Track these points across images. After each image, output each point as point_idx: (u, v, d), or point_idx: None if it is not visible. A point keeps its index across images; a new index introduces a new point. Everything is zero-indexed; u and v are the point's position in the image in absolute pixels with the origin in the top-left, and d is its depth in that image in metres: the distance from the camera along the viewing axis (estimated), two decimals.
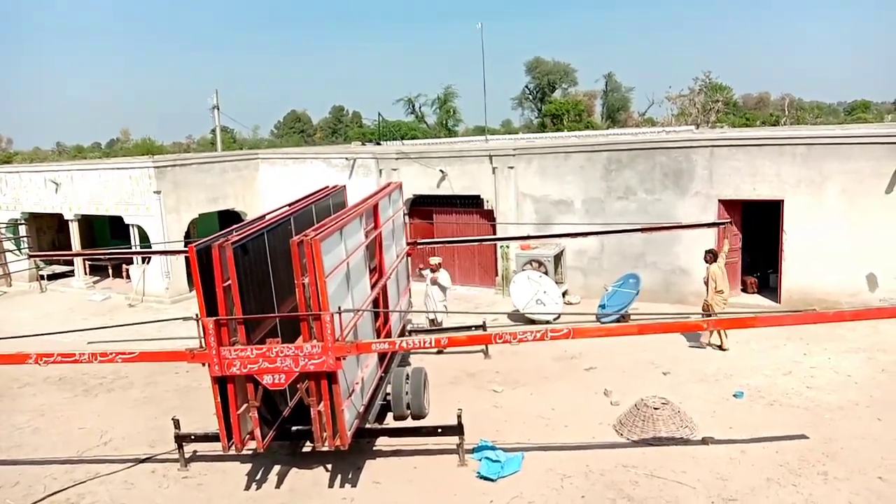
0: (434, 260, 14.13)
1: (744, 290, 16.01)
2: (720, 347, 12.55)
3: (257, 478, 8.98)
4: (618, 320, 13.88)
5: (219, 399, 8.21)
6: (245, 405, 8.33)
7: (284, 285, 9.36)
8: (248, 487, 8.78)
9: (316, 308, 7.78)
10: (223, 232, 8.83)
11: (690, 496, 7.95)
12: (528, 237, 15.27)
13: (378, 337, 10.32)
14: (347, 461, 9.12)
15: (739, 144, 15.07)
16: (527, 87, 71.14)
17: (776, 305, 15.01)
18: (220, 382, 8.14)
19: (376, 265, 11.20)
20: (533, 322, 14.69)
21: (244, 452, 8.97)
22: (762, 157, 14.72)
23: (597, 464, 8.75)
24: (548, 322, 14.49)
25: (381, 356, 10.54)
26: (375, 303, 10.50)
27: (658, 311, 14.12)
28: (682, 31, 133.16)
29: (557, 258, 16.38)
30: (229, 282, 7.98)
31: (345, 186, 13.91)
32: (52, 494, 8.82)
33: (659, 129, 33.02)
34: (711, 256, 13.06)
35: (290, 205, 11.19)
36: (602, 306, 15.00)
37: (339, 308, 8.05)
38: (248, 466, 9.23)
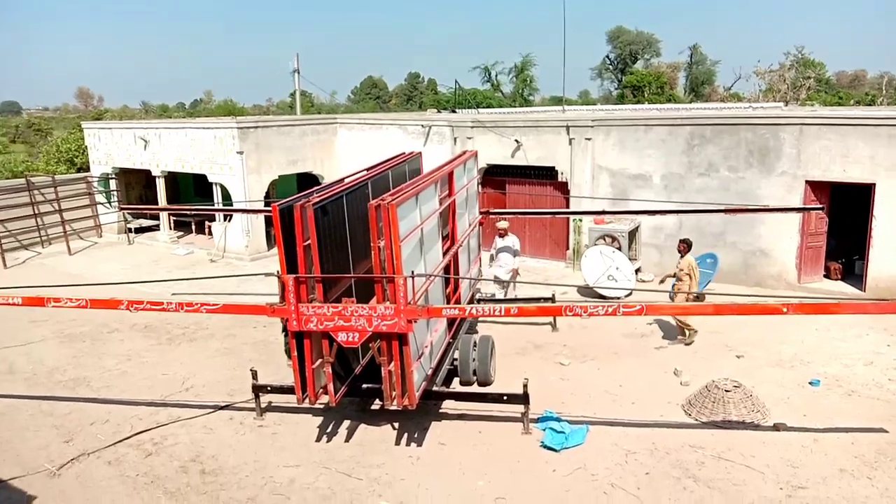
0: (502, 224, 14.03)
1: (826, 275, 15.41)
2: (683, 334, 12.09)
3: (328, 431, 9.32)
4: (696, 299, 13.58)
5: (295, 353, 8.53)
6: (319, 360, 8.63)
7: (360, 247, 9.57)
8: (319, 439, 9.12)
9: (390, 271, 7.95)
10: (304, 193, 9.06)
11: (758, 480, 7.82)
12: (604, 212, 15.07)
13: (447, 303, 10.47)
14: (414, 421, 9.35)
15: (831, 123, 14.36)
16: (607, 57, 69.55)
17: (861, 294, 14.39)
18: (297, 337, 8.45)
19: (449, 232, 11.30)
20: (603, 298, 14.57)
21: (316, 406, 9.32)
22: (855, 137, 14.02)
23: (663, 442, 8.69)
24: (618, 299, 14.36)
25: (450, 322, 10.69)
26: (447, 270, 10.63)
27: (735, 292, 13.76)
28: (775, 2, 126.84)
29: (632, 234, 16.11)
30: (309, 241, 8.22)
31: (420, 153, 14.02)
32: (138, 434, 9.39)
33: (745, 104, 31.77)
34: (686, 246, 12.12)
35: (367, 169, 11.37)
36: None
37: (413, 272, 8.19)
38: (320, 419, 9.58)
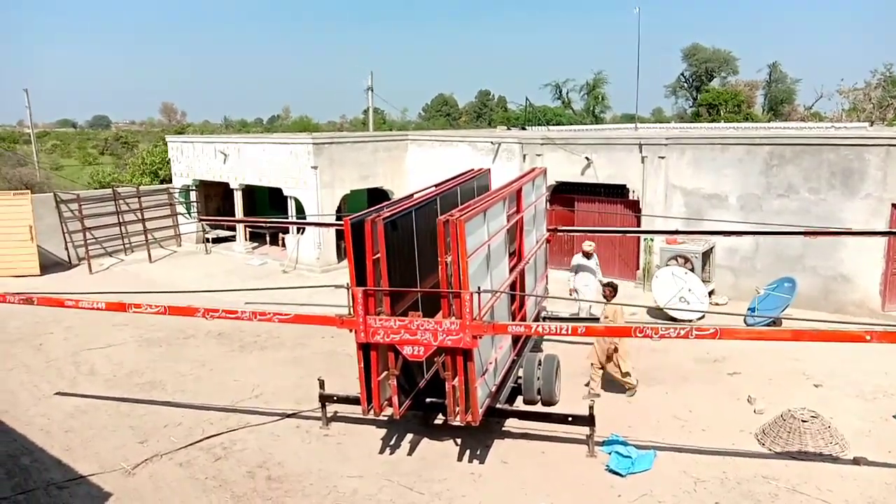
0: (587, 246, 13.80)
1: None
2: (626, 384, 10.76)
3: (392, 443, 9.38)
4: (769, 325, 13.12)
5: (362, 365, 8.65)
6: (385, 373, 8.72)
7: (428, 262, 9.65)
8: (382, 451, 9.19)
9: (457, 286, 7.98)
10: (374, 208, 9.22)
11: None
12: (676, 232, 14.75)
13: (513, 320, 10.42)
14: (476, 438, 9.32)
15: None
16: (682, 74, 68.28)
17: None
18: (364, 349, 8.57)
19: (516, 249, 11.27)
20: (674, 320, 14.21)
21: (381, 417, 9.40)
22: None
23: (734, 471, 8.39)
24: (690, 321, 13.99)
25: (515, 340, 10.64)
26: (513, 286, 10.59)
27: (814, 319, 13.21)
28: (859, 17, 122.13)
29: (706, 255, 15.69)
30: (378, 255, 8.35)
31: (489, 170, 14.06)
32: (209, 437, 9.67)
33: (827, 124, 30.60)
34: (612, 291, 10.80)
35: (436, 185, 11.48)
36: (752, 309, 14.23)
37: (479, 288, 8.20)
38: (384, 431, 9.66)
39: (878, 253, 14.21)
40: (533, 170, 13.34)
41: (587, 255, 13.74)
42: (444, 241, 8.01)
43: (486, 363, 8.93)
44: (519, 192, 11.12)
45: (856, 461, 8.54)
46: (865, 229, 13.90)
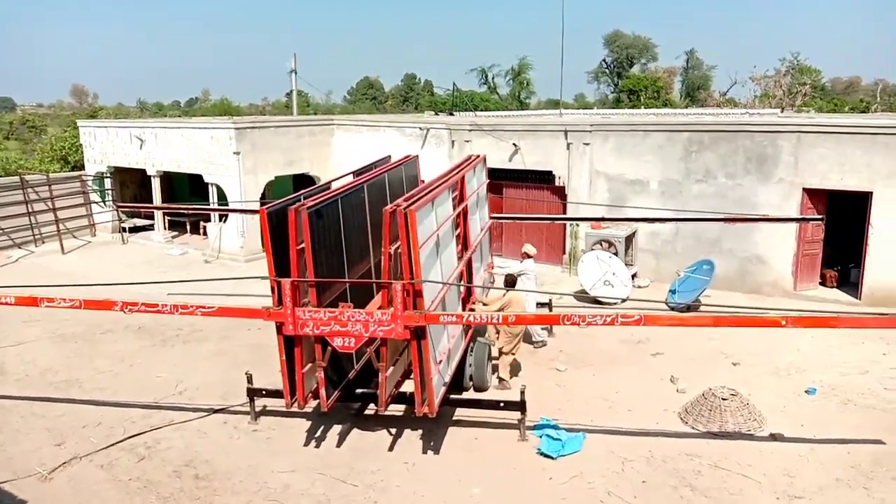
0: (529, 249, 12.73)
1: (822, 283, 15.43)
2: (500, 380, 10.66)
3: (323, 436, 9.26)
4: (688, 308, 13.58)
5: (284, 357, 8.47)
6: (310, 365, 8.56)
7: (355, 251, 9.51)
8: (313, 444, 9.06)
9: (408, 276, 7.81)
10: (291, 196, 9.03)
11: (755, 490, 7.80)
12: (603, 219, 15.01)
13: (463, 310, 10.38)
14: (410, 427, 9.31)
15: (829, 132, 14.39)
16: (604, 60, 69.48)
17: (856, 301, 14.42)
18: (286, 340, 8.39)
19: (461, 238, 11.08)
20: (599, 303, 14.54)
21: (311, 411, 9.24)
22: (853, 145, 14.05)
23: (660, 450, 8.66)
24: (615, 304, 14.34)
25: (466, 328, 10.42)
26: (461, 275, 10.50)
27: (731, 300, 13.77)
28: (771, 8, 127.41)
29: (629, 239, 16.08)
30: (303, 245, 8.16)
31: (417, 156, 13.94)
32: (132, 437, 9.30)
33: (741, 110, 31.84)
34: (511, 283, 10.89)
35: (354, 172, 11.36)
36: (673, 291, 14.70)
37: (411, 279, 8.08)
38: (315, 424, 9.51)
39: (790, 235, 14.88)
40: (475, 157, 13.08)
41: (527, 257, 12.63)
42: (389, 231, 7.86)
43: (441, 353, 8.86)
44: (462, 179, 11.04)
45: (772, 436, 8.96)
46: (780, 216, 14.53)
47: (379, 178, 11.04)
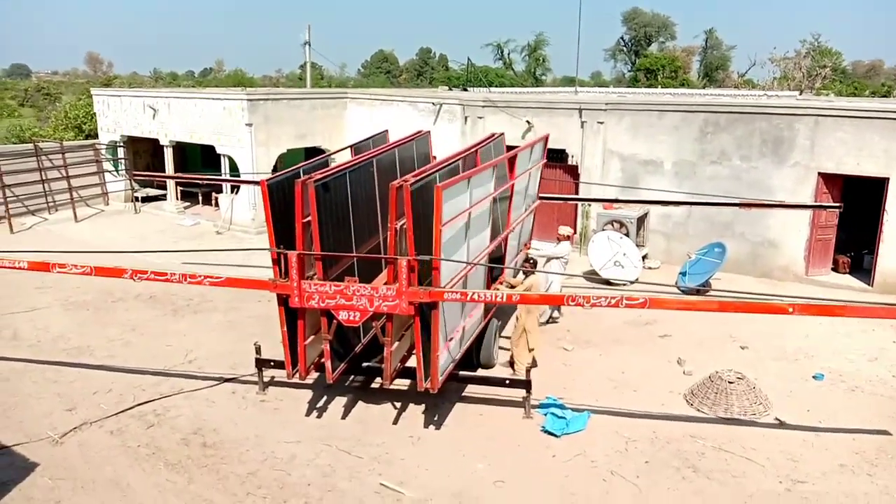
0: (564, 230, 12.43)
1: (835, 269, 15.31)
2: (511, 364, 10.38)
3: (330, 408, 9.34)
4: (698, 290, 13.53)
5: (285, 328, 8.56)
6: (312, 337, 8.63)
7: (364, 226, 9.50)
8: (320, 416, 9.15)
9: (412, 252, 7.78)
10: (291, 169, 9.09)
11: (758, 473, 7.82)
12: (617, 200, 14.87)
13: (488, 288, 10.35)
14: (415, 401, 9.37)
15: (848, 116, 14.18)
16: (622, 38, 68.91)
17: (868, 288, 14.31)
18: (288, 312, 8.48)
19: (501, 217, 10.87)
20: (609, 284, 14.50)
21: (318, 382, 9.31)
22: (871, 130, 13.84)
23: (664, 431, 8.69)
24: (624, 284, 14.30)
25: (487, 308, 10.37)
26: (493, 256, 10.40)
27: (742, 283, 13.71)
28: None
29: (641, 220, 16.00)
30: (309, 218, 8.17)
31: (429, 132, 13.79)
32: (142, 404, 9.42)
33: (759, 92, 31.42)
34: (531, 265, 10.81)
35: (352, 148, 11.41)
36: (683, 274, 14.63)
37: (416, 256, 8.02)
38: (323, 396, 9.60)
39: (804, 220, 14.75)
40: (541, 137, 12.75)
41: (560, 240, 12.34)
42: (395, 207, 7.83)
43: (453, 331, 8.84)
44: (513, 159, 10.83)
45: (778, 421, 8.95)
46: (794, 200, 14.37)
47: (389, 154, 11.00)
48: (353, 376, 9.94)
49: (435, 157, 12.34)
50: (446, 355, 8.70)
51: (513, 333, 10.46)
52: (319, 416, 9.15)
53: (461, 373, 10.00)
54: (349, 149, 11.85)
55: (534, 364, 10.00)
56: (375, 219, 10.08)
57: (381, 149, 10.94)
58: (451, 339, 8.78)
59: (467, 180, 8.55)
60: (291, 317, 8.55)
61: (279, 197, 8.37)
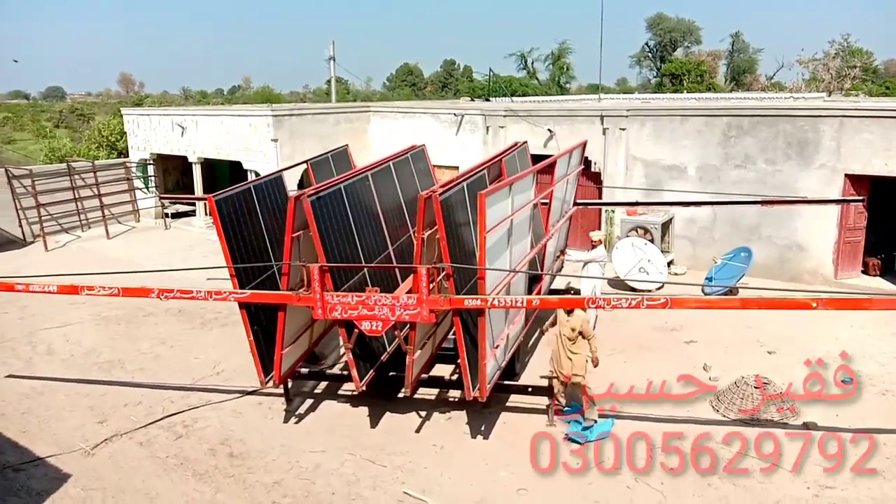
0: (596, 235, 12.42)
1: (864, 271, 15.06)
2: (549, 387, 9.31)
3: (354, 417, 9.43)
4: (725, 295, 13.37)
5: (251, 337, 8.97)
6: (290, 347, 8.93)
7: (371, 238, 9.46)
8: (345, 426, 9.22)
9: (446, 259, 7.78)
10: (241, 185, 9.46)
11: (785, 479, 7.72)
12: (641, 203, 14.80)
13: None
14: (438, 411, 9.42)
15: (873, 116, 13.98)
16: (646, 44, 68.49)
17: None
18: (248, 311, 8.93)
19: (536, 224, 10.87)
20: (634, 290, 14.42)
21: (343, 393, 9.39)
22: None
23: (689, 437, 8.59)
24: (649, 291, 14.21)
25: (529, 314, 10.29)
26: (533, 262, 10.43)
27: (769, 288, 13.49)
28: None
29: (665, 226, 15.90)
30: (299, 233, 8.38)
31: (424, 146, 13.42)
32: (170, 416, 9.61)
33: (786, 94, 31.06)
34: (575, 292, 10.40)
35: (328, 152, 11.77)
36: (709, 279, 14.50)
37: (433, 263, 8.09)
38: (347, 406, 9.70)
39: (832, 222, 14.54)
40: (578, 144, 12.86)
41: (594, 246, 12.15)
42: (423, 217, 7.87)
43: (498, 338, 8.81)
44: (553, 165, 10.85)
45: (805, 426, 8.82)
46: (819, 198, 14.17)
47: (384, 167, 10.82)
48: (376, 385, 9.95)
49: (434, 167, 13.10)
50: (493, 363, 8.68)
51: (555, 353, 9.24)
52: (344, 426, 9.23)
53: None
54: (306, 163, 12.18)
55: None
56: (381, 230, 9.95)
57: (376, 164, 10.80)
58: (497, 346, 8.74)
59: (509, 187, 8.51)
60: (260, 325, 8.96)
61: (229, 212, 8.74)
